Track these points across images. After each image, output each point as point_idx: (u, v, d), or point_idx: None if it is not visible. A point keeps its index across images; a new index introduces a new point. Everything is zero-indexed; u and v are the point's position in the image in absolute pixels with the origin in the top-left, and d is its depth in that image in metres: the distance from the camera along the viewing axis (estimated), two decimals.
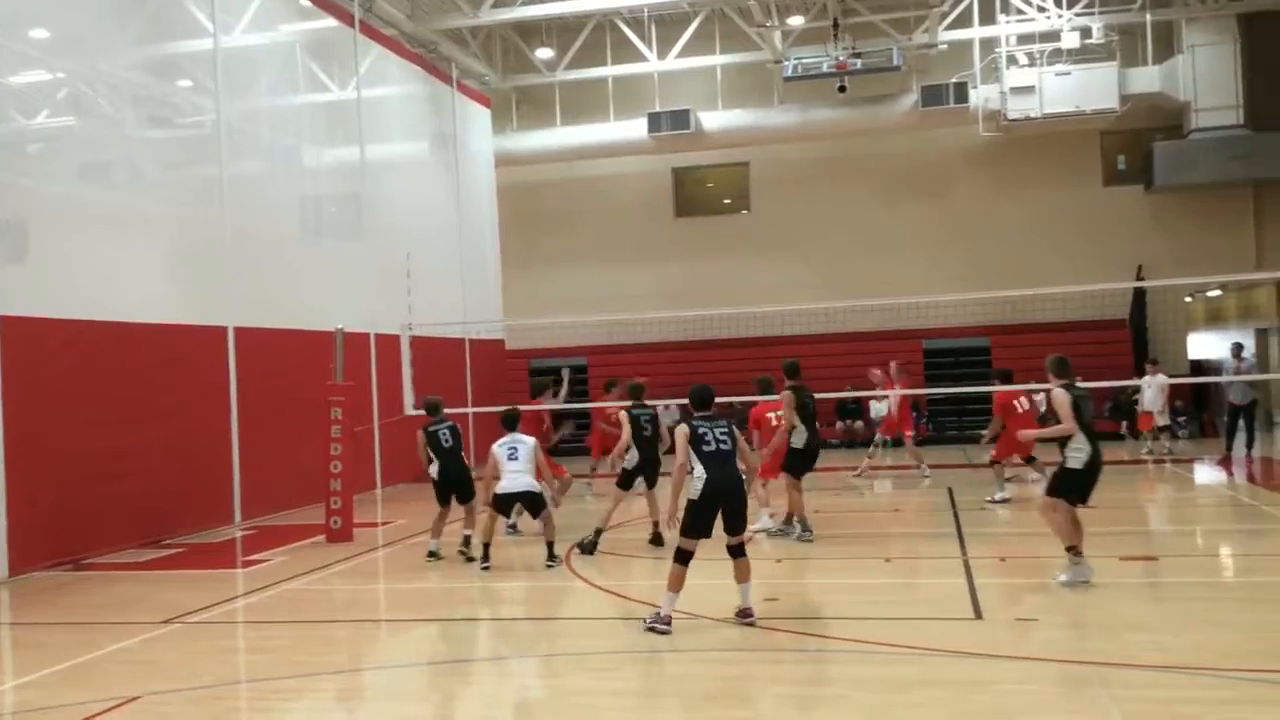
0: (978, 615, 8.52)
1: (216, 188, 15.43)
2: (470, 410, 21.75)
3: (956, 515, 13.70)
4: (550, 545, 11.15)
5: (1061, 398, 9.18)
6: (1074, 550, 9.23)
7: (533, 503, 11.22)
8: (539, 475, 11.29)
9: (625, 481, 12.06)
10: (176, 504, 14.08)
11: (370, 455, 18.40)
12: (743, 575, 8.21)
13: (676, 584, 8.05)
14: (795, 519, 12.19)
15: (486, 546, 11.16)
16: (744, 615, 8.16)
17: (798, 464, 12.24)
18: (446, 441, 12.08)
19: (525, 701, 7.11)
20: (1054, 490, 9.39)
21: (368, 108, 19.55)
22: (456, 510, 11.96)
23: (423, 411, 12.83)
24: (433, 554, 11.78)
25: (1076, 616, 8.58)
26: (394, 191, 20.41)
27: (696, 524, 8.07)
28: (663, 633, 7.92)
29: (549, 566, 10.96)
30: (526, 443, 11.27)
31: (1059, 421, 9.25)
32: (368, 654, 8.46)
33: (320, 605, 10.19)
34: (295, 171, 18.17)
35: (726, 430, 8.21)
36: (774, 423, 12.55)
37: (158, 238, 14.42)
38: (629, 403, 12.43)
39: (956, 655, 7.31)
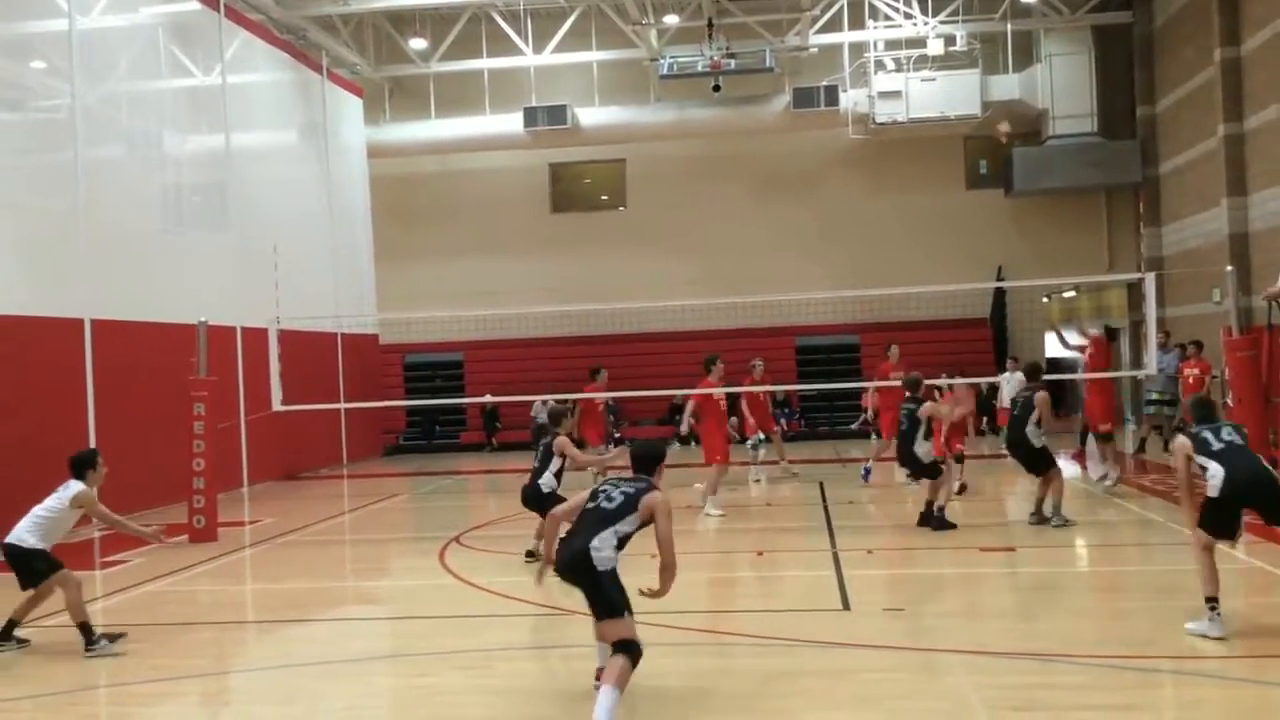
0: (846, 606, 8.72)
1: (72, 174, 14.80)
2: (343, 406, 21.37)
3: (827, 509, 13.99)
4: (81, 627, 7.85)
5: (1178, 445, 7.73)
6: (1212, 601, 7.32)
7: (15, 563, 8.16)
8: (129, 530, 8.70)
9: None
10: (28, 502, 13.40)
11: (236, 452, 17.91)
12: (606, 674, 5.94)
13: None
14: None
15: (9, 624, 8.10)
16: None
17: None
18: (536, 459, 10.88)
19: (395, 701, 7.01)
20: (1201, 522, 7.49)
21: (234, 94, 19.02)
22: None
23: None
24: (530, 553, 10.79)
25: (940, 607, 8.86)
26: (261, 181, 19.89)
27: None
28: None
29: (86, 653, 7.77)
30: (69, 490, 8.32)
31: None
32: (233, 656, 8.24)
33: (183, 607, 9.88)
34: (157, 159, 17.55)
35: (631, 493, 6.17)
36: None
37: (8, 226, 13.77)
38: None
39: (824, 646, 7.48)
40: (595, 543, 6.02)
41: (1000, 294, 25.73)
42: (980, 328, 25.72)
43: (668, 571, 6.12)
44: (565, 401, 14.45)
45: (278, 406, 16.12)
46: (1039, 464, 12.00)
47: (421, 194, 27.67)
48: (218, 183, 18.84)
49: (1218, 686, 6.45)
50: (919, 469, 12.25)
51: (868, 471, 16.23)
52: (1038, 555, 10.89)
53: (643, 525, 6.15)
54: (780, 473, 17.29)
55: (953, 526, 11.83)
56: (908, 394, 12.52)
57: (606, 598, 6.02)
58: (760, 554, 11.32)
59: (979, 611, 8.53)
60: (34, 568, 8.09)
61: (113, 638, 7.94)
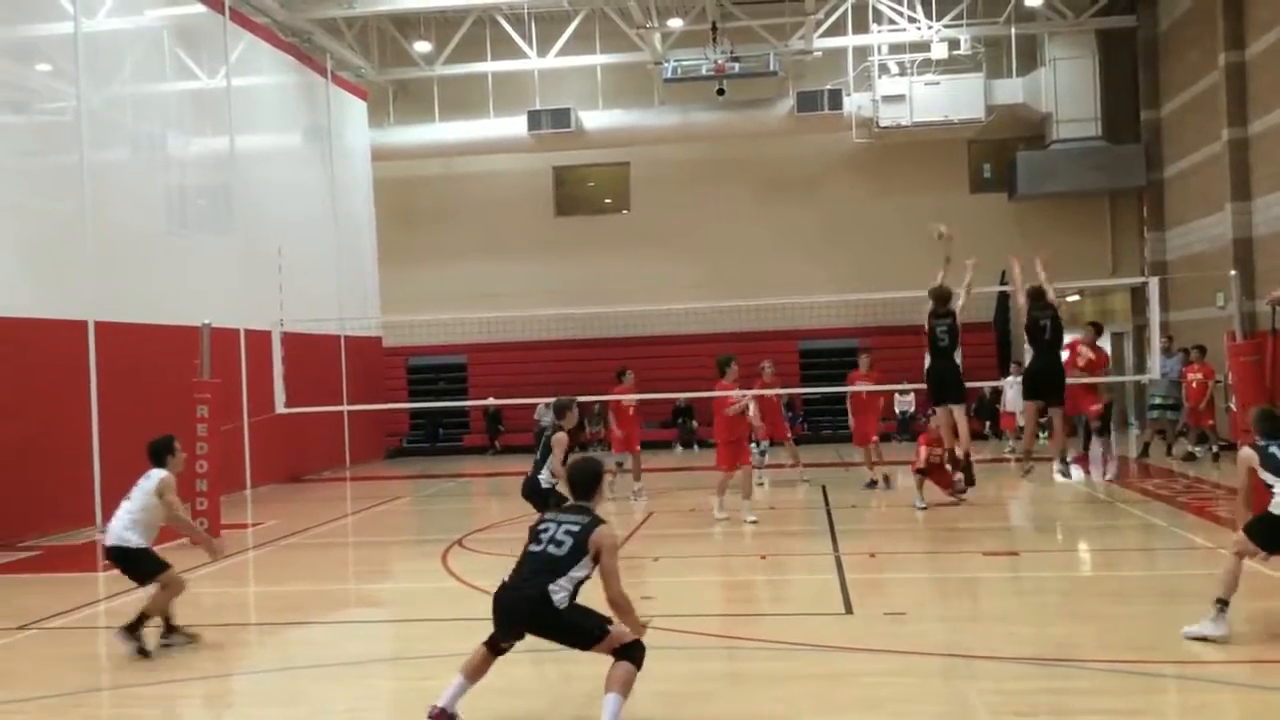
0: (848, 610, 8.71)
1: (77, 177, 14.83)
2: (346, 408, 21.39)
3: (830, 513, 13.98)
4: (141, 617, 7.90)
5: (1242, 457, 7.66)
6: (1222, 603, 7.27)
7: (123, 564, 8.16)
8: (182, 532, 8.60)
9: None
10: (33, 504, 13.50)
11: (240, 454, 17.92)
12: (609, 681, 5.71)
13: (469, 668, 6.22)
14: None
15: (139, 620, 7.89)
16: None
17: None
18: (538, 453, 10.90)
19: (396, 703, 7.01)
20: (1249, 530, 7.46)
21: (238, 97, 19.05)
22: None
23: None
24: None
25: (942, 611, 8.84)
26: (266, 184, 19.93)
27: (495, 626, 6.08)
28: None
29: (119, 630, 7.85)
30: (151, 479, 8.28)
31: None
32: (235, 659, 8.24)
33: (186, 609, 9.85)
34: (161, 161, 17.60)
35: (577, 532, 5.87)
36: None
37: (12, 228, 13.81)
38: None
39: (827, 649, 7.47)
40: (552, 587, 5.76)
41: (1004, 298, 25.68)
42: (984, 332, 25.64)
43: (618, 608, 5.88)
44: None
45: (281, 409, 16.14)
46: (1062, 388, 12.36)
47: (425, 197, 27.69)
48: (222, 185, 18.88)
49: (1222, 691, 6.44)
50: (959, 386, 12.41)
51: (873, 482, 16.19)
52: (1041, 560, 10.88)
53: (596, 563, 5.88)
54: (797, 475, 17.21)
55: (971, 483, 12.47)
56: (936, 307, 12.68)
57: (582, 629, 5.81)
58: (764, 557, 11.32)
59: (982, 616, 8.53)
60: (142, 568, 8.11)
61: (143, 651, 7.79)
